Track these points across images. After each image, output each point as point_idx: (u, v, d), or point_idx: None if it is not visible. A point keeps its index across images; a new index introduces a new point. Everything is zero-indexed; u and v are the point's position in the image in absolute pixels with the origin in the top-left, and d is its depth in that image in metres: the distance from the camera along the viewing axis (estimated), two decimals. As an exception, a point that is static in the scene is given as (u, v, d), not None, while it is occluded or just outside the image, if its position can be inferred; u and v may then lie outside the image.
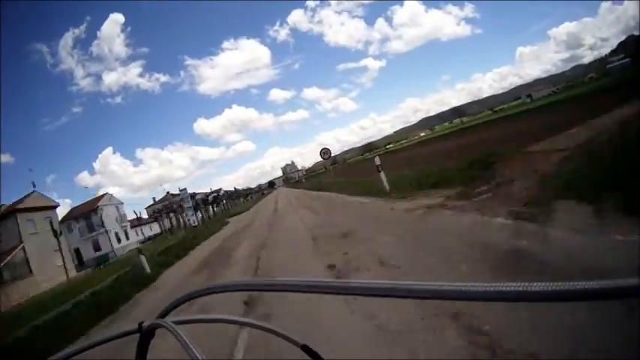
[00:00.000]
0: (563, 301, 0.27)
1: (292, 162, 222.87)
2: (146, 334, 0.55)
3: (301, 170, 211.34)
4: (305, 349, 0.61)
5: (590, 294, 0.26)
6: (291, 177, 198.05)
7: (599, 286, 0.26)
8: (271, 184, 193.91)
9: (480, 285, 0.31)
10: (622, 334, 1.69)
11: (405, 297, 0.35)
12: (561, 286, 0.27)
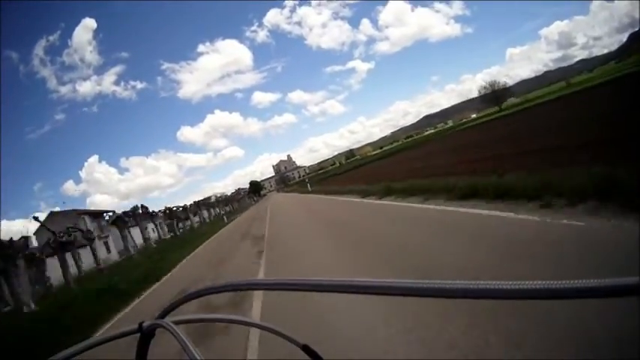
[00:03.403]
0: (563, 298, 0.27)
1: (289, 157, 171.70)
2: (146, 334, 0.55)
3: (302, 168, 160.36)
4: (305, 349, 0.61)
5: (589, 292, 0.26)
6: (289, 177, 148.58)
7: (599, 285, 0.26)
8: (255, 188, 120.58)
9: (479, 283, 0.30)
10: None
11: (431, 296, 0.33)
12: (561, 284, 0.27)
